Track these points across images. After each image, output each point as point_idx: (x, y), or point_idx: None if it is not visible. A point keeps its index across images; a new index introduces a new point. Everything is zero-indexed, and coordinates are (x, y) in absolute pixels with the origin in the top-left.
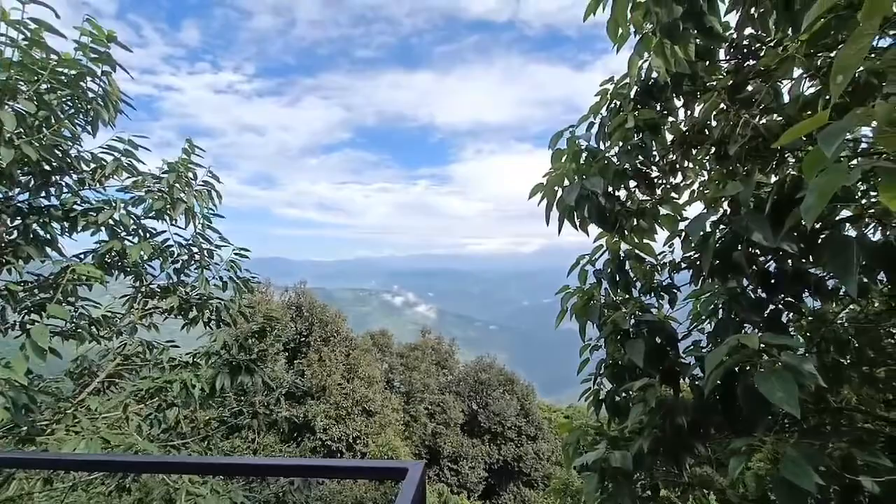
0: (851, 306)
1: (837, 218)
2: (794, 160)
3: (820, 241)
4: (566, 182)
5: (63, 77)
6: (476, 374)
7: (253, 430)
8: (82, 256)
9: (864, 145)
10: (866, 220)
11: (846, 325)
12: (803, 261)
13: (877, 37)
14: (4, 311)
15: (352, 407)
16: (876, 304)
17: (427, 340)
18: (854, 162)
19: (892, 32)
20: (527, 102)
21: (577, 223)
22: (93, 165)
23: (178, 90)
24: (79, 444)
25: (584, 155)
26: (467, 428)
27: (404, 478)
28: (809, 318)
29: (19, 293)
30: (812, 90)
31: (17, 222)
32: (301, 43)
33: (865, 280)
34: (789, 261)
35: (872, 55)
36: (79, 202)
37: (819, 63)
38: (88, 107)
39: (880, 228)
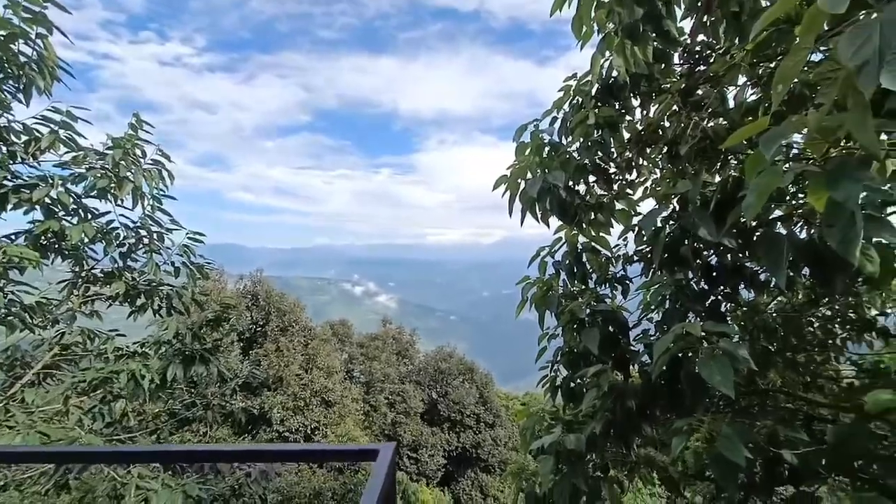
0: (780, 298)
1: (771, 217)
2: (736, 162)
3: (756, 237)
4: (529, 175)
5: None
6: (436, 364)
7: (206, 423)
8: (14, 237)
9: (795, 150)
10: (795, 219)
11: (774, 314)
12: (741, 255)
13: (811, 52)
14: None
15: (310, 398)
16: (800, 296)
17: (388, 330)
18: (787, 165)
19: (822, 48)
20: (491, 94)
21: (539, 215)
22: (25, 138)
23: (118, 59)
24: (14, 439)
25: (546, 149)
26: (427, 417)
27: (375, 459)
28: (744, 308)
29: None
30: (754, 97)
31: None
32: (258, 17)
33: (792, 274)
34: (729, 255)
35: (806, 68)
36: (9, 177)
37: (761, 72)
38: (20, 72)
39: (806, 227)
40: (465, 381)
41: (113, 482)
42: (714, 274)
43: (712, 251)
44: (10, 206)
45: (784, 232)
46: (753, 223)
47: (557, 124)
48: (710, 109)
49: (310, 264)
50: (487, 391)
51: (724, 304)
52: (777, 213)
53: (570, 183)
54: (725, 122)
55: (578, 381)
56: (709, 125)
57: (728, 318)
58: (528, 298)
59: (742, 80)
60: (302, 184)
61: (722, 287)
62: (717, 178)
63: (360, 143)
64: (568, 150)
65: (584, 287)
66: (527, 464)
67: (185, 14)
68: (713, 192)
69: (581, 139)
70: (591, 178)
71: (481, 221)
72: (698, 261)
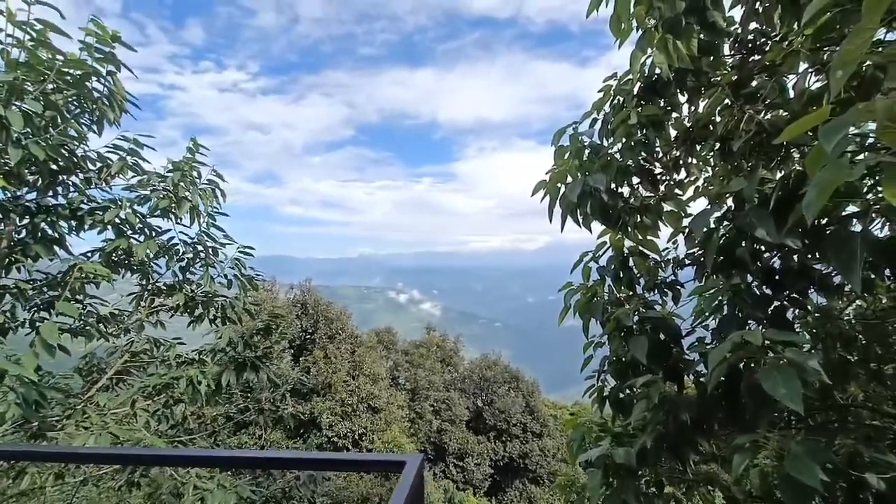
0: (858, 302)
1: (843, 214)
2: (799, 156)
3: (825, 237)
4: (569, 179)
5: (69, 77)
6: (481, 371)
7: (260, 427)
8: (89, 255)
9: (871, 140)
10: (872, 215)
11: (853, 321)
12: (808, 257)
13: (884, 31)
14: (14, 309)
15: (357, 404)
16: (883, 301)
17: (432, 337)
18: (860, 157)
19: None
20: (529, 99)
21: (580, 220)
22: (99, 164)
23: (183, 89)
24: (88, 440)
25: (586, 151)
26: (472, 425)
27: (402, 470)
28: (815, 314)
29: (28, 291)
30: (819, 85)
31: (25, 221)
32: (304, 40)
33: (872, 276)
34: (794, 257)
35: (879, 49)
36: (85, 201)
37: (825, 58)
38: (94, 106)
39: (887, 224)
40: (511, 390)
41: (174, 481)
42: (777, 277)
43: (774, 253)
44: (86, 227)
45: (858, 230)
46: (823, 221)
47: (598, 126)
48: (766, 101)
49: (355, 273)
50: (534, 400)
51: (791, 311)
52: (851, 209)
53: (613, 185)
54: (785, 114)
55: (627, 391)
56: (765, 118)
57: (796, 326)
58: (570, 305)
59: (803, 67)
60: (346, 196)
61: (787, 292)
62: (778, 175)
63: (401, 154)
64: (609, 151)
65: (630, 293)
66: (577, 477)
67: (238, 43)
68: (772, 190)
69: (623, 140)
70: (635, 180)
71: (523, 227)
72: (758, 263)
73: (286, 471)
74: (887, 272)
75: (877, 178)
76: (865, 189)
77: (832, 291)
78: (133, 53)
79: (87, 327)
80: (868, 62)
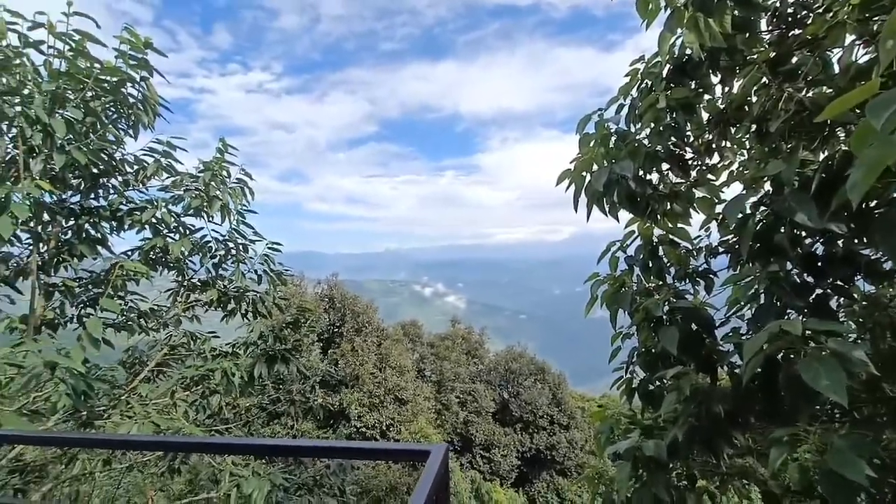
0: None
1: (893, 195)
2: (844, 135)
3: (872, 220)
4: (595, 167)
5: (106, 84)
6: (506, 364)
7: (291, 417)
8: (129, 253)
9: None
10: None
11: None
12: (854, 242)
13: None
14: (63, 306)
15: (384, 395)
16: None
17: (457, 330)
18: None
19: None
20: (553, 88)
21: (607, 209)
22: (135, 167)
23: (212, 92)
24: (132, 428)
25: (613, 138)
26: (499, 417)
27: (426, 460)
28: (862, 302)
29: (75, 289)
30: (867, 58)
31: (70, 223)
32: (326, 39)
33: None
34: (839, 242)
35: None
36: (124, 202)
37: (875, 28)
38: (129, 111)
39: None
40: (537, 382)
41: (212, 468)
42: (819, 264)
43: (816, 238)
44: (126, 227)
45: None
46: (872, 204)
47: (624, 111)
48: (808, 78)
49: (381, 268)
50: (560, 392)
51: (835, 299)
52: None
53: (641, 172)
54: (830, 91)
55: (657, 383)
56: (807, 95)
57: (841, 315)
58: (597, 296)
59: (849, 40)
60: (371, 191)
61: (830, 279)
62: (821, 156)
63: (424, 148)
64: (637, 137)
65: (660, 283)
66: (605, 469)
67: (263, 45)
68: (814, 172)
69: (651, 125)
70: (665, 166)
71: (549, 218)
72: (798, 250)
73: (316, 459)
74: None
75: None
76: None
77: (881, 278)
78: (165, 59)
79: (129, 322)
80: None
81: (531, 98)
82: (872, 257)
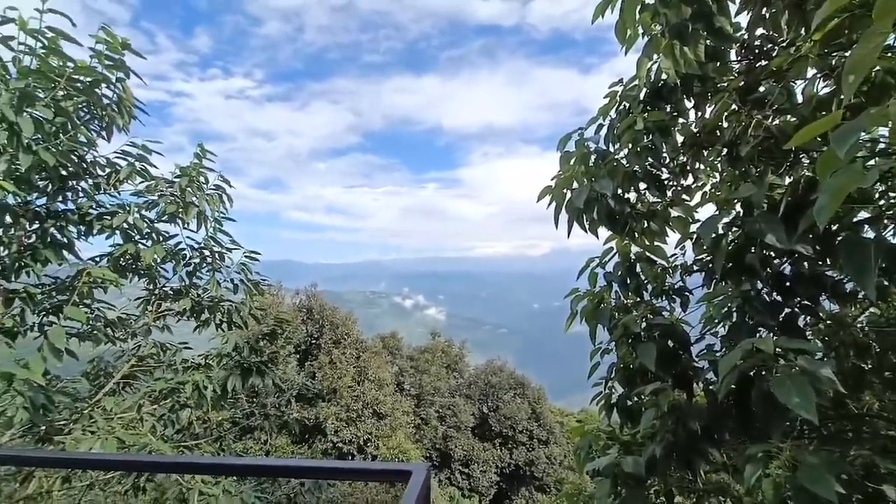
0: (872, 310)
1: (855, 220)
2: (808, 161)
3: (837, 243)
4: (575, 184)
5: (79, 84)
6: (486, 378)
7: (265, 432)
8: (98, 259)
9: (882, 145)
10: (885, 221)
11: (866, 329)
12: (819, 263)
13: (894, 36)
14: (24, 314)
15: (362, 409)
16: None
17: (437, 343)
18: (872, 162)
19: None
20: (534, 106)
21: (587, 225)
22: (108, 170)
23: (190, 96)
24: (95, 444)
25: (592, 157)
26: (478, 431)
27: (408, 480)
28: (828, 321)
29: (38, 295)
30: (827, 90)
31: (35, 226)
32: (310, 48)
33: (886, 283)
34: (805, 263)
35: (889, 54)
36: (94, 206)
37: (833, 63)
38: (103, 113)
39: None
40: (517, 396)
41: (180, 486)
42: (787, 284)
43: (784, 259)
44: (95, 232)
45: (871, 236)
46: (834, 227)
47: (604, 131)
48: (774, 106)
49: (361, 279)
50: (540, 406)
51: (802, 318)
52: (863, 215)
53: (619, 191)
54: (794, 120)
55: (636, 399)
56: (773, 123)
57: (808, 334)
58: (577, 312)
59: (811, 72)
60: (352, 202)
61: (798, 299)
62: (787, 181)
63: (407, 160)
64: (616, 157)
65: (638, 299)
66: (584, 485)
67: (245, 51)
68: (781, 195)
69: (630, 145)
70: (642, 186)
71: (529, 233)
72: (768, 270)
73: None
74: None
75: (889, 183)
76: (877, 195)
77: (845, 298)
78: (142, 61)
79: (95, 331)
80: (877, 67)
81: (513, 115)
82: (837, 278)
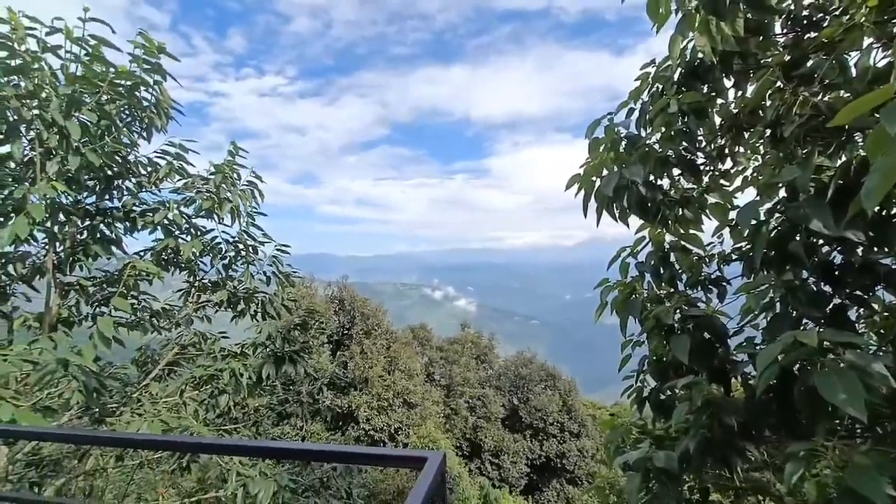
0: None
1: None
2: (861, 141)
3: (891, 228)
4: (604, 171)
5: (120, 88)
6: (516, 369)
7: (300, 418)
8: (142, 254)
9: None
10: None
11: None
12: (873, 250)
13: None
14: (79, 304)
15: (393, 398)
16: None
17: (467, 334)
18: None
19: None
20: (564, 92)
21: (617, 214)
22: (149, 169)
23: (226, 95)
24: (142, 426)
25: (623, 143)
26: (508, 423)
27: (423, 467)
28: (883, 313)
29: (90, 288)
30: (885, 62)
31: (85, 223)
32: (338, 43)
33: None
34: (857, 250)
35: None
36: (137, 204)
37: (893, 31)
38: (143, 115)
39: None
40: (547, 388)
41: (220, 467)
42: (837, 273)
43: (834, 247)
44: (139, 228)
45: None
46: (892, 212)
47: (635, 116)
48: (824, 82)
49: (392, 271)
50: (571, 399)
51: (854, 310)
52: None
53: (651, 178)
54: (847, 95)
55: (668, 392)
56: (822, 100)
57: (861, 326)
58: (607, 303)
59: (867, 42)
60: (382, 194)
61: (848, 289)
62: (838, 162)
63: (435, 152)
64: (647, 142)
65: (671, 290)
66: (616, 479)
67: (276, 49)
68: (830, 178)
69: (662, 129)
70: (676, 172)
71: (560, 223)
72: (814, 258)
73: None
74: None
75: None
76: None
77: None
78: (181, 63)
79: (141, 321)
80: None
81: (543, 102)
82: (893, 266)
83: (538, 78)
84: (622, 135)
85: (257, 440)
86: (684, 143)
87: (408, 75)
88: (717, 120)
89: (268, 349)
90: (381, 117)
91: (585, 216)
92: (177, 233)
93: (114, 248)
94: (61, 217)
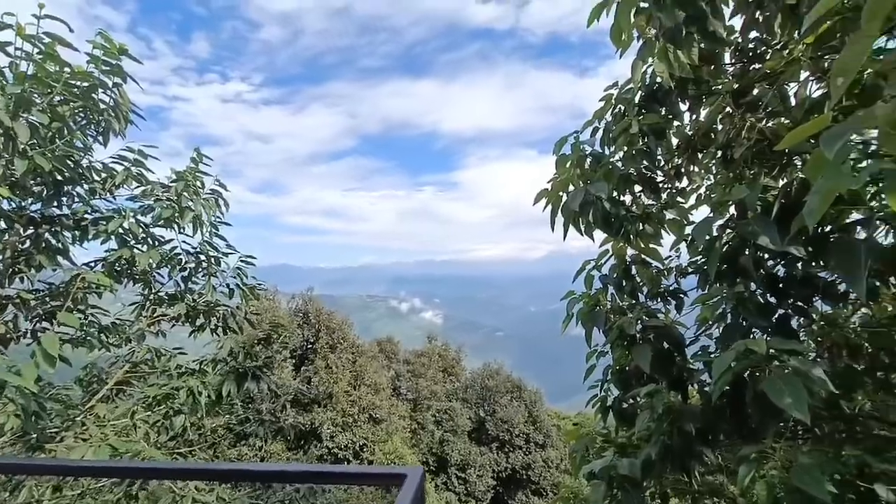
0: (863, 310)
1: (847, 221)
2: (801, 163)
3: (828, 244)
4: (571, 187)
5: (76, 89)
6: (483, 381)
7: (260, 438)
8: (92, 265)
9: (874, 147)
10: (876, 222)
11: (858, 329)
12: (812, 265)
13: (884, 39)
14: (17, 319)
15: (358, 414)
16: (889, 309)
17: (433, 347)
18: (863, 164)
19: None
20: (530, 109)
21: (583, 228)
22: (104, 175)
23: (187, 100)
24: (87, 452)
25: (588, 160)
26: (475, 435)
27: (402, 484)
28: (820, 322)
29: (31, 301)
30: (820, 93)
31: (29, 231)
32: (307, 52)
33: (877, 283)
34: (798, 265)
35: (880, 57)
36: (90, 211)
37: (826, 66)
38: (100, 118)
39: (891, 231)
40: (514, 399)
41: (173, 494)
42: (781, 285)
43: (778, 260)
44: (90, 237)
45: (862, 237)
46: (827, 229)
47: (599, 134)
48: (768, 109)
49: (358, 283)
50: (537, 410)
51: (795, 319)
52: (855, 216)
53: (615, 194)
54: (787, 122)
55: (631, 401)
56: (767, 126)
57: (801, 335)
58: (573, 314)
59: (804, 75)
60: (349, 205)
61: (791, 300)
62: (781, 183)
63: (404, 164)
64: (611, 160)
65: (633, 301)
66: (580, 489)
67: (243, 56)
68: (775, 198)
69: (625, 148)
70: (637, 188)
71: (526, 236)
72: (761, 271)
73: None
74: (892, 280)
75: (880, 185)
76: (869, 196)
77: (837, 299)
78: (139, 66)
79: (89, 337)
80: (869, 70)
81: (510, 118)
82: (829, 279)
83: (506, 94)
84: (587, 152)
85: (215, 462)
86: (645, 162)
87: (377, 87)
88: (674, 141)
89: (229, 365)
90: (350, 128)
91: (553, 230)
92: (132, 242)
93: (60, 259)
94: (2, 224)
